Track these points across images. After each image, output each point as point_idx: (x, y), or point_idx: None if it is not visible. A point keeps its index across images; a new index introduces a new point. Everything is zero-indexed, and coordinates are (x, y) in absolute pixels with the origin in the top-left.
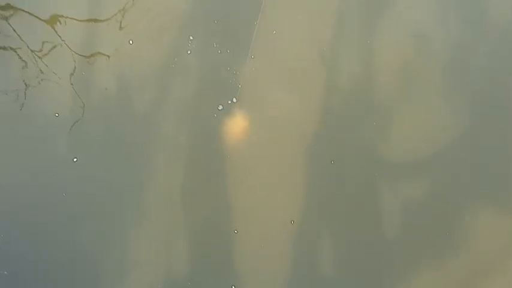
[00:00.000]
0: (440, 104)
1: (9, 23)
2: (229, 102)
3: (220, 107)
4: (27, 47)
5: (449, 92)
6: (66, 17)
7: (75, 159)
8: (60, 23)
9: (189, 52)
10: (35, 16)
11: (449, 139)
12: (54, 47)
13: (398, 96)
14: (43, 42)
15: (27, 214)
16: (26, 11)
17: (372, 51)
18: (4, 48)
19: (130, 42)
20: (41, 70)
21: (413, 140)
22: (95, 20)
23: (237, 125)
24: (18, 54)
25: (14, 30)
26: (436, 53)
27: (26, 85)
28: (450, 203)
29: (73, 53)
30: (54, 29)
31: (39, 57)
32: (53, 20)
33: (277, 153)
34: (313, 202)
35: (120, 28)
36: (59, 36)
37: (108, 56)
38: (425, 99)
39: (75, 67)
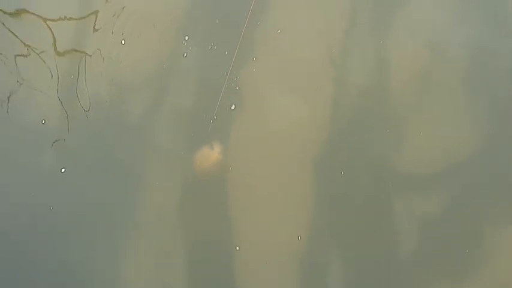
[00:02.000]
0: (458, 111)
1: None
2: (228, 109)
3: (219, 114)
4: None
5: (467, 99)
6: (55, 18)
7: (63, 170)
8: (47, 24)
9: (184, 55)
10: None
11: (467, 149)
12: (42, 52)
13: (413, 102)
14: (28, 46)
15: (10, 230)
16: (7, 13)
17: (384, 53)
18: None
19: (123, 42)
20: (27, 73)
21: (429, 150)
22: (85, 19)
23: (237, 134)
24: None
25: None
26: (454, 57)
27: (9, 91)
28: (469, 218)
29: (61, 55)
30: (40, 30)
31: (25, 59)
32: (39, 21)
33: (282, 164)
34: (322, 216)
35: (112, 31)
36: (47, 38)
37: (99, 58)
38: (441, 106)
39: (63, 70)
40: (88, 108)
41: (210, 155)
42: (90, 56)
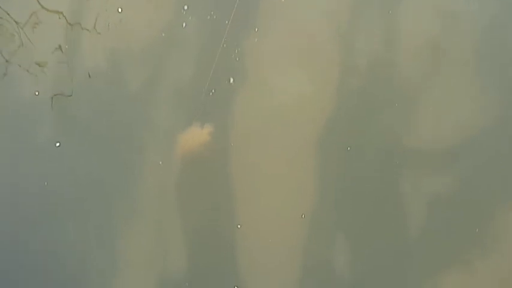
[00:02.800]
0: (470, 84)
1: None
2: (228, 82)
3: (219, 87)
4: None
5: (480, 72)
6: None
7: (57, 144)
8: None
9: (184, 25)
10: None
11: (480, 125)
12: (36, 17)
13: (423, 75)
14: (23, 12)
15: (2, 206)
16: None
17: (394, 25)
18: None
19: (119, 10)
20: (22, 42)
21: (440, 125)
22: None
23: (237, 109)
24: None
25: None
26: (466, 28)
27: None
28: (480, 197)
29: (55, 22)
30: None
31: (20, 28)
32: None
33: (285, 140)
34: (327, 194)
35: None
36: (40, 5)
37: (95, 27)
38: (453, 79)
39: (57, 39)
40: (83, 80)
41: (198, 135)
42: (85, 24)
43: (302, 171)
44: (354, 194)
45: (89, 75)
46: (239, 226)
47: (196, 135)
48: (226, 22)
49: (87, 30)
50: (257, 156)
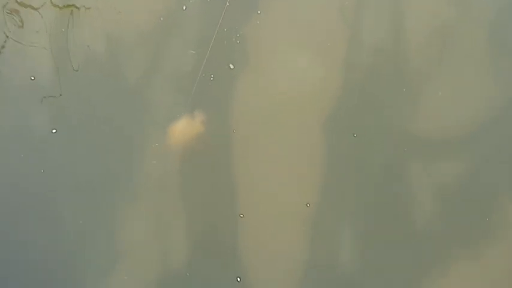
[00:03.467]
0: (480, 70)
1: None
2: (228, 67)
3: (222, 72)
4: None
5: (492, 60)
6: None
7: (54, 131)
8: None
9: (184, 7)
10: None
11: (490, 112)
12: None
13: (433, 62)
14: None
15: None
16: None
17: (402, 6)
18: None
19: None
20: (15, 23)
21: (450, 112)
22: None
23: (240, 94)
24: None
25: None
26: (478, 15)
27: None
28: (490, 186)
29: (51, 5)
30: None
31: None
32: None
33: (289, 126)
34: (332, 182)
35: None
36: None
37: (91, 9)
38: (463, 64)
39: (53, 22)
40: (81, 65)
41: (190, 125)
42: (82, 7)
43: (307, 158)
44: (360, 182)
45: (83, 60)
46: (241, 215)
47: (191, 125)
48: (228, 4)
49: (84, 11)
50: (260, 143)
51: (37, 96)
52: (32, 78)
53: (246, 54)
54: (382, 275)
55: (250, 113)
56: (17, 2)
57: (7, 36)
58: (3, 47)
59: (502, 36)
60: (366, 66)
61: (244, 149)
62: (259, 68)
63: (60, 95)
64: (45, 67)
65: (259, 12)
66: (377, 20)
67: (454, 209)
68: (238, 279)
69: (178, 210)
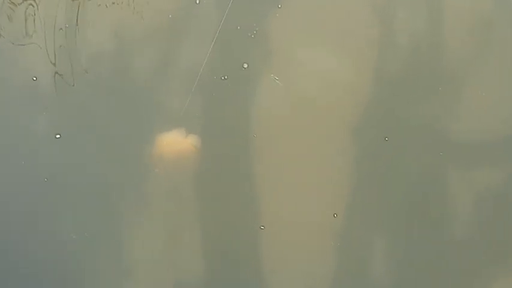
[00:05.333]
0: None
1: None
2: (244, 66)
3: (236, 73)
4: None
5: None
6: None
7: (57, 136)
8: None
9: (197, 1)
10: None
11: None
12: None
13: (473, 58)
14: None
15: None
16: None
17: (439, 1)
18: None
19: None
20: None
21: (491, 114)
22: None
23: (260, 96)
24: None
25: None
26: None
27: None
28: None
29: None
30: None
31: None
32: None
33: (314, 130)
34: (362, 190)
35: None
36: None
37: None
38: (507, 63)
39: (57, 16)
40: (86, 65)
41: (180, 144)
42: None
43: (334, 165)
44: (392, 190)
45: (86, 72)
46: (262, 227)
47: (179, 144)
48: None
49: (90, 4)
50: (283, 149)
51: (39, 98)
52: (34, 78)
53: (264, 53)
54: None
55: (271, 117)
56: None
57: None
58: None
59: None
60: (397, 64)
61: (266, 156)
62: (281, 67)
63: (64, 97)
64: (48, 67)
65: (279, 6)
66: (411, 15)
67: (495, 218)
68: None
69: (193, 223)
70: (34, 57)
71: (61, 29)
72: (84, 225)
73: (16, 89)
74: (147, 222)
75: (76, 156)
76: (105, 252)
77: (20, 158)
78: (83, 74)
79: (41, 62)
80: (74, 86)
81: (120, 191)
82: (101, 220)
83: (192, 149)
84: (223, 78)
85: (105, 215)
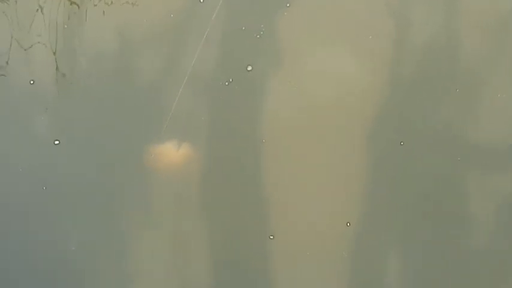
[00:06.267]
0: None
1: None
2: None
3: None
4: None
5: None
6: None
7: (56, 142)
8: None
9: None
10: None
11: None
12: None
13: (492, 58)
14: None
15: None
16: None
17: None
18: None
19: None
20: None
21: (508, 116)
22: None
23: (268, 99)
24: None
25: None
26: None
27: None
28: None
29: None
30: None
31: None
32: None
33: (326, 135)
34: (377, 197)
35: None
36: None
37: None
38: None
39: (56, 17)
40: (87, 67)
41: (171, 155)
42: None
43: (346, 171)
44: (408, 197)
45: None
46: (271, 237)
47: (170, 155)
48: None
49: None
50: (293, 155)
51: (37, 102)
52: (31, 81)
53: (272, 54)
54: None
55: (280, 122)
56: None
57: None
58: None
59: None
60: (413, 65)
61: (275, 162)
62: (290, 69)
63: (63, 100)
64: (47, 69)
65: (288, 5)
66: (426, 14)
67: None
68: None
69: (199, 232)
70: (37, 58)
71: (65, 26)
72: (84, 234)
73: (14, 90)
74: (151, 232)
75: (76, 163)
76: (105, 263)
77: (18, 164)
78: (84, 76)
79: (43, 61)
80: (75, 86)
81: (123, 198)
82: (102, 230)
83: (197, 155)
84: (227, 82)
85: (107, 224)
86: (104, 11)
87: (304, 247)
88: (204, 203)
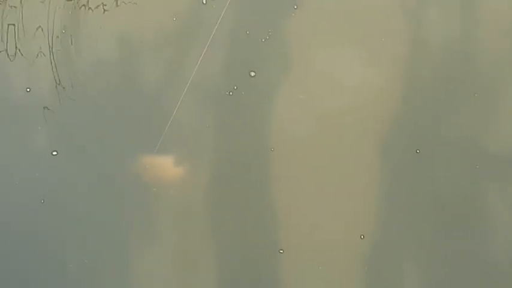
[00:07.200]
0: None
1: None
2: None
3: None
4: None
5: None
6: None
7: (54, 153)
8: None
9: (204, 1)
10: None
11: None
12: None
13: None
14: None
15: None
16: None
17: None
18: None
19: None
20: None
21: None
22: None
23: (275, 106)
24: None
25: None
26: None
27: None
28: None
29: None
30: None
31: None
32: None
33: (337, 143)
34: (391, 208)
35: None
36: None
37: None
38: None
39: (53, 21)
40: (86, 74)
41: (176, 166)
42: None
43: (360, 181)
44: (425, 208)
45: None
46: (281, 251)
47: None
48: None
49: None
50: (303, 165)
51: (33, 110)
52: (28, 89)
53: (279, 58)
54: None
55: (289, 129)
56: None
57: None
58: None
59: None
60: (430, 71)
61: (284, 172)
62: (298, 74)
63: (62, 109)
64: (43, 75)
65: (295, 6)
66: (443, 16)
67: None
68: None
69: (205, 247)
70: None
71: (57, 36)
72: (84, 247)
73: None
74: (154, 245)
75: (75, 174)
76: (106, 277)
77: (14, 177)
78: (83, 84)
79: (39, 67)
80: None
81: (125, 211)
82: (102, 243)
83: (202, 165)
84: (231, 92)
85: (107, 237)
86: (103, 16)
87: (315, 262)
88: (210, 216)
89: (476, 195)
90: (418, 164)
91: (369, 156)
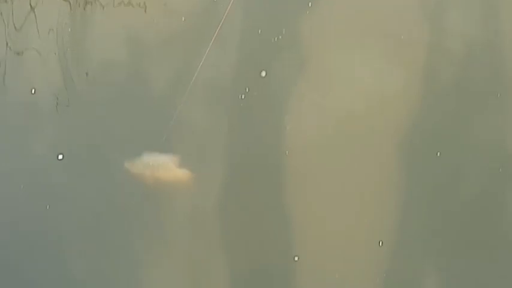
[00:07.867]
0: None
1: None
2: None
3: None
4: None
5: None
6: None
7: (60, 157)
8: None
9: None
10: None
11: None
12: None
13: None
14: None
15: None
16: None
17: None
18: None
19: None
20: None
21: None
22: None
23: (292, 109)
24: None
25: None
26: None
27: None
28: None
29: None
30: None
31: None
32: None
33: (356, 146)
34: (411, 213)
35: None
36: None
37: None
38: None
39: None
40: (92, 75)
41: (167, 167)
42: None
43: (379, 185)
44: (446, 212)
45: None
46: (296, 258)
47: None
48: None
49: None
50: (319, 170)
51: (38, 113)
52: (33, 91)
53: (297, 57)
54: None
55: (305, 133)
56: None
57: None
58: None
59: None
60: (451, 72)
61: (300, 176)
62: (310, 78)
63: (67, 112)
64: (49, 77)
65: (310, 5)
66: (464, 16)
67: None
68: None
69: (218, 253)
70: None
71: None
72: (90, 254)
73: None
74: (163, 252)
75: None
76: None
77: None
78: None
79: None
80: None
81: (132, 216)
82: (108, 250)
83: (216, 169)
84: (243, 95)
85: (114, 245)
86: (107, 15)
87: (332, 269)
88: (224, 222)
89: (499, 199)
90: (439, 167)
91: (388, 160)
